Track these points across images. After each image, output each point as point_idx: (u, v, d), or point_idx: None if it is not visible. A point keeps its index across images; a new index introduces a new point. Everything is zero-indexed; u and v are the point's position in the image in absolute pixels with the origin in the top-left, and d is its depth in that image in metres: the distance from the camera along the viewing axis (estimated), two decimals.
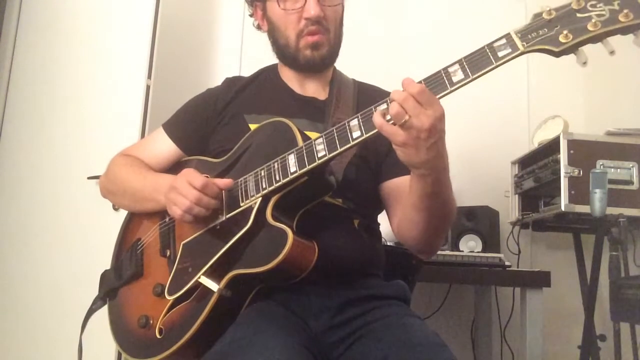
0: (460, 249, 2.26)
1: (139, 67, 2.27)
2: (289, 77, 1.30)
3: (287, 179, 1.00)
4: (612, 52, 0.83)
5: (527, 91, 2.74)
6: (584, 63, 0.85)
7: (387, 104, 0.90)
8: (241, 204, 1.05)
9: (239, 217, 1.05)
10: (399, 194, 1.17)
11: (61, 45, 2.43)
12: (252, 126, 1.18)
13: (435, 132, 0.88)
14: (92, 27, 2.40)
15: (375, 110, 0.93)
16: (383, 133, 0.90)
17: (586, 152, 2.04)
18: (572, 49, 0.84)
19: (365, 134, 0.94)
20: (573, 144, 2.05)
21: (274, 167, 1.02)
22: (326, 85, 1.30)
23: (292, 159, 1.00)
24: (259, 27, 1.34)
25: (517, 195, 2.44)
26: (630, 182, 2.03)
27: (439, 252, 2.07)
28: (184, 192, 1.03)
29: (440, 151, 0.91)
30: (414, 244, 1.13)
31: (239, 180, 1.08)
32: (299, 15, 1.19)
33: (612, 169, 2.02)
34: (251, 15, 1.36)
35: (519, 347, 2.13)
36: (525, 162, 2.40)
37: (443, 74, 0.89)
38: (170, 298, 1.06)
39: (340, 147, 0.96)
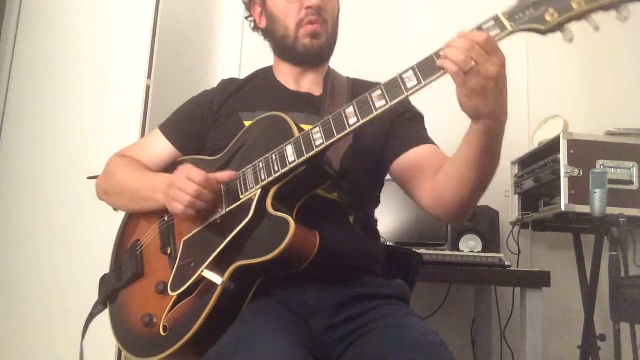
0: (460, 249, 2.25)
1: (139, 67, 2.27)
2: (284, 74, 1.32)
3: (286, 168, 1.01)
4: (596, 29, 0.85)
5: (527, 91, 2.74)
6: (570, 40, 0.87)
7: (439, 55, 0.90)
8: (241, 197, 1.06)
9: (238, 210, 1.05)
10: (424, 162, 1.17)
11: (61, 45, 2.43)
12: (247, 123, 1.19)
13: (502, 79, 0.88)
14: (92, 27, 2.40)
15: (370, 97, 0.94)
16: (455, 80, 0.89)
17: (586, 152, 2.04)
18: (558, 27, 0.87)
19: (362, 119, 0.95)
20: (573, 144, 2.05)
21: (272, 158, 1.03)
22: (321, 82, 1.31)
23: (290, 149, 1.01)
24: (255, 28, 1.36)
25: (517, 195, 2.44)
26: (630, 182, 2.03)
27: (439, 252, 2.07)
28: (184, 187, 1.04)
29: (505, 101, 0.91)
30: (457, 206, 1.09)
31: (238, 173, 1.08)
32: (300, 5, 1.23)
33: (612, 169, 2.02)
34: (247, 17, 1.38)
35: (519, 347, 2.13)
36: (525, 162, 2.40)
37: (435, 57, 0.90)
38: (174, 294, 1.06)
39: (338, 134, 0.97)
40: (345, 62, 1.40)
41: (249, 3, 1.37)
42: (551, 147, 2.14)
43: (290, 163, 1.00)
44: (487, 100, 0.89)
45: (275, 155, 1.03)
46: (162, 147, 1.30)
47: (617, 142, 2.08)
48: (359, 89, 1.27)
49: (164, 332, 1.06)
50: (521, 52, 2.69)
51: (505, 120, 0.95)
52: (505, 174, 2.49)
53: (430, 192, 1.13)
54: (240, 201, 1.06)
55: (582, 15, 0.85)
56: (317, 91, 1.29)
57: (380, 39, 2.76)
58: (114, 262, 1.28)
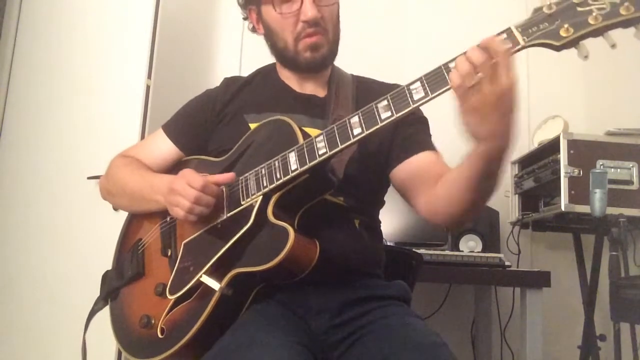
0: (460, 249, 2.26)
1: (139, 67, 2.27)
2: (287, 76, 1.30)
3: (288, 176, 1.00)
4: (613, 46, 0.81)
5: (527, 91, 2.74)
6: (586, 57, 0.83)
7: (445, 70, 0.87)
8: (242, 203, 1.05)
9: (239, 215, 1.05)
10: (423, 171, 1.15)
11: (61, 45, 2.43)
12: (252, 125, 1.18)
13: (506, 101, 0.84)
14: (92, 27, 2.40)
15: (376, 107, 0.93)
16: (456, 93, 0.85)
17: (586, 152, 2.04)
18: (573, 43, 0.83)
19: (366, 130, 0.93)
20: (573, 144, 2.05)
21: (274, 165, 1.02)
22: (325, 83, 1.29)
23: (292, 157, 1.00)
24: (254, 30, 1.34)
25: (517, 195, 2.44)
26: (630, 182, 2.03)
27: (439, 252, 2.07)
28: (184, 193, 1.03)
29: (508, 126, 0.86)
30: (448, 219, 1.09)
31: (240, 178, 1.08)
32: (296, 19, 1.18)
33: (612, 169, 2.02)
34: (245, 19, 1.36)
35: (519, 347, 2.13)
36: (525, 162, 2.40)
37: (444, 70, 0.88)
38: (172, 297, 1.06)
39: (341, 144, 0.96)
40: (344, 60, 1.38)
41: (244, 5, 1.33)
42: (551, 147, 2.14)
43: (292, 171, 0.99)
44: (484, 120, 0.85)
45: (278, 162, 1.02)
46: (165, 148, 1.29)
47: (617, 142, 2.08)
48: (363, 88, 1.27)
49: (162, 334, 1.06)
50: (521, 51, 2.69)
51: (507, 147, 0.89)
52: (505, 174, 2.48)
53: (425, 203, 1.13)
54: (241, 207, 1.05)
55: (599, 32, 0.81)
56: (321, 92, 1.27)
57: (378, 37, 2.75)
58: (116, 259, 1.28)
